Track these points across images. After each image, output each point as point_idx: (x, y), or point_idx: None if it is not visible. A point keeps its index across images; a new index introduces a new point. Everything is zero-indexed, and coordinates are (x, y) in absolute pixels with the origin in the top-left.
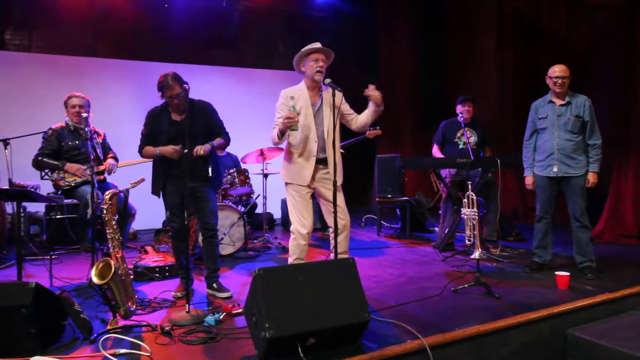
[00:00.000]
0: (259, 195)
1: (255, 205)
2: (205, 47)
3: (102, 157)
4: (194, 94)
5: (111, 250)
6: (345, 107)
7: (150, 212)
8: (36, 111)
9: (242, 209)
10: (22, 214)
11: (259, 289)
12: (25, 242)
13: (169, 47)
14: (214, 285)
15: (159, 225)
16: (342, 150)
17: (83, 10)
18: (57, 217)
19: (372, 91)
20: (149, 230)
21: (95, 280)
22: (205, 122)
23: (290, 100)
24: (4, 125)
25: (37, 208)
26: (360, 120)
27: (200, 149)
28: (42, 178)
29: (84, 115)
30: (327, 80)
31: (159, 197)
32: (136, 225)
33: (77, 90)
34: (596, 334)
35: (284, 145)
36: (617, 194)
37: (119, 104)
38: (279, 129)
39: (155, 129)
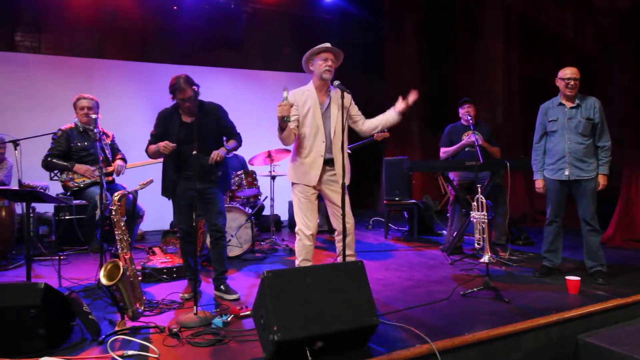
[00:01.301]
0: (266, 197)
1: (262, 207)
2: (212, 49)
3: (110, 158)
4: (200, 96)
5: (120, 252)
6: (354, 110)
7: (158, 213)
8: (46, 112)
9: (250, 210)
10: (31, 215)
11: (267, 292)
12: (34, 243)
13: (177, 48)
14: (222, 287)
15: (167, 227)
16: (349, 151)
17: (91, 13)
18: (66, 217)
19: (405, 101)
20: (157, 232)
21: (103, 281)
22: (215, 124)
23: (284, 92)
24: (14, 126)
25: (46, 209)
26: (369, 123)
27: (217, 155)
28: (51, 179)
29: (93, 116)
30: (336, 82)
31: (169, 199)
32: (144, 226)
33: (86, 91)
34: (608, 339)
35: (291, 146)
36: (628, 198)
37: (126, 105)
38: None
39: (165, 130)
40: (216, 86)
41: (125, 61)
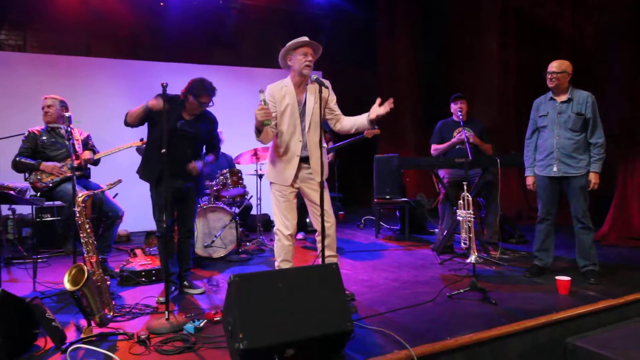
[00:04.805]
0: (251, 196)
1: (250, 207)
2: (202, 46)
3: (80, 154)
4: None
5: (85, 255)
6: (332, 104)
7: (145, 213)
8: (30, 111)
9: (236, 210)
10: (13, 217)
11: (234, 297)
12: (15, 245)
13: (166, 46)
14: (185, 282)
15: (154, 227)
16: (325, 146)
17: (78, 10)
18: (45, 219)
19: (382, 107)
20: (144, 232)
21: (67, 286)
22: (210, 132)
23: (260, 95)
24: None
25: (30, 210)
26: (345, 123)
27: (194, 169)
28: (25, 180)
29: (67, 114)
30: (314, 77)
31: (152, 183)
32: (130, 227)
33: (73, 89)
34: (597, 343)
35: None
36: (623, 194)
37: (114, 103)
38: (255, 126)
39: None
40: None
41: (113, 59)
